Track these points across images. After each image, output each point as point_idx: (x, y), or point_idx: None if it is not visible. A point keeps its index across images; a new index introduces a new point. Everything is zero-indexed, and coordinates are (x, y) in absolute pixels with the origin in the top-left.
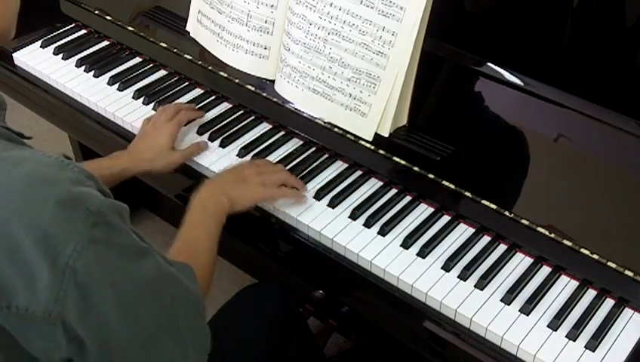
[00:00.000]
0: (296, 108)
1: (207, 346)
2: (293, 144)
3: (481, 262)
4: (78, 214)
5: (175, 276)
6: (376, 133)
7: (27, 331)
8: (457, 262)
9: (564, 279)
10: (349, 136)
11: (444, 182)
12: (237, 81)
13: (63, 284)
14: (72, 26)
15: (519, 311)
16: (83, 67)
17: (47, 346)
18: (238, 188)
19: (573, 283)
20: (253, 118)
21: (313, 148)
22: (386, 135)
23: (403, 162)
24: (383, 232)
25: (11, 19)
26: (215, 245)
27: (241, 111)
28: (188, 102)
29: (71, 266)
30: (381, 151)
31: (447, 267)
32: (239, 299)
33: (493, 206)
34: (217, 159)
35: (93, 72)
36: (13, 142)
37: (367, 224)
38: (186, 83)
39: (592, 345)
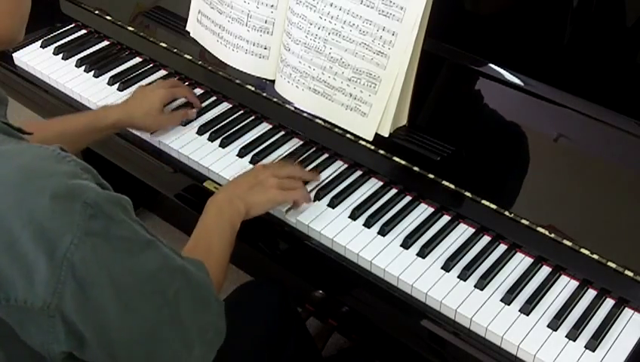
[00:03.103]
0: (296, 108)
1: (217, 340)
2: (293, 144)
3: (481, 262)
4: (74, 207)
5: (182, 269)
6: (376, 133)
7: (26, 324)
8: (457, 262)
9: (564, 279)
10: (349, 136)
11: (444, 182)
12: (237, 81)
13: (60, 277)
14: (72, 26)
15: (519, 311)
16: (83, 67)
17: (45, 339)
18: (255, 192)
19: (573, 283)
20: (253, 118)
21: (313, 148)
22: (386, 135)
23: (403, 162)
24: (383, 232)
25: (21, 19)
26: (228, 250)
27: (241, 111)
28: (188, 102)
29: (69, 259)
30: (381, 151)
31: (447, 267)
32: (236, 296)
33: (493, 206)
34: (217, 159)
35: (93, 72)
36: (11, 136)
37: (367, 224)
38: (186, 83)
39: (592, 345)
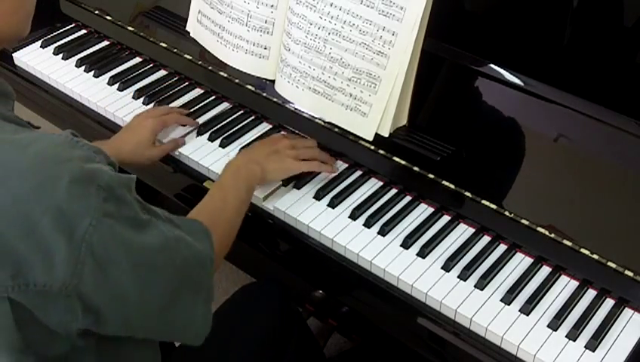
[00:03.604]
0: (296, 108)
1: (210, 298)
2: None
3: (481, 262)
4: (90, 190)
5: (181, 238)
6: (376, 133)
7: (44, 306)
8: (457, 262)
9: (564, 279)
10: (349, 136)
11: (444, 182)
12: (237, 81)
13: (80, 257)
14: (72, 26)
15: (519, 311)
16: (83, 67)
17: (64, 318)
18: (271, 159)
19: (573, 283)
20: (253, 118)
21: None
22: (386, 135)
23: (403, 162)
24: (383, 232)
25: (26, 16)
26: (243, 209)
27: (241, 111)
28: (188, 102)
29: (87, 240)
30: (381, 151)
31: (447, 267)
32: (237, 297)
33: (493, 206)
34: (217, 159)
35: (93, 72)
36: (23, 126)
37: (367, 224)
38: (186, 83)
39: (592, 345)
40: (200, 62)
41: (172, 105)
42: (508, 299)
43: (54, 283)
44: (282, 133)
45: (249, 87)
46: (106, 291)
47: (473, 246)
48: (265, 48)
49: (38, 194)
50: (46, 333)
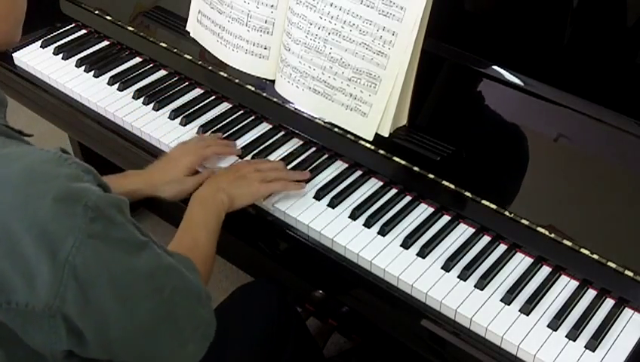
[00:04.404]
0: (296, 108)
1: (209, 334)
2: (293, 144)
3: (481, 262)
4: (76, 210)
5: (175, 267)
6: (376, 133)
7: (27, 326)
8: (457, 262)
9: (564, 279)
10: (349, 136)
11: (444, 182)
12: (237, 81)
13: (63, 280)
14: (72, 26)
15: (519, 311)
16: (83, 67)
17: (47, 339)
18: (237, 185)
19: (573, 283)
20: (253, 118)
21: (313, 148)
22: (386, 135)
23: (403, 162)
24: (383, 232)
25: (15, 22)
26: (214, 242)
27: (241, 111)
28: (188, 102)
29: (70, 262)
30: (381, 151)
31: (447, 267)
32: (235, 297)
33: (493, 206)
34: (217, 159)
35: (93, 72)
36: (12, 138)
37: (367, 224)
38: (186, 83)
39: (592, 345)
40: (200, 62)
41: (172, 105)
42: (508, 299)
43: (37, 304)
44: (246, 159)
45: (249, 87)
46: (88, 314)
47: (473, 246)
48: (265, 48)
49: (21, 212)
50: (30, 354)
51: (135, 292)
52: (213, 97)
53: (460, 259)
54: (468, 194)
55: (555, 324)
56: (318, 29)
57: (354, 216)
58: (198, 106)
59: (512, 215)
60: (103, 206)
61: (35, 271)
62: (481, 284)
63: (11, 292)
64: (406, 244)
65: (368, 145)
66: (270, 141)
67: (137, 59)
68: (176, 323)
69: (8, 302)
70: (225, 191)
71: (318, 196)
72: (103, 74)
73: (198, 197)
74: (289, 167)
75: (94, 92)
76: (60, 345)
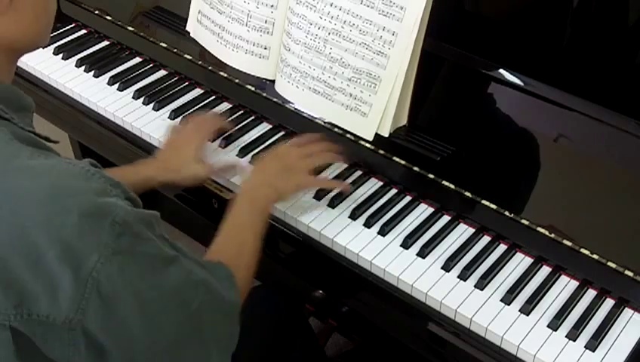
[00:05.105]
0: (296, 108)
1: (231, 346)
2: None
3: (481, 262)
4: (102, 225)
5: (205, 282)
6: (376, 133)
7: (47, 337)
8: (457, 262)
9: (564, 279)
10: (349, 136)
11: (444, 182)
12: (237, 81)
13: (85, 294)
14: (72, 26)
15: (519, 311)
16: (83, 67)
17: (66, 352)
18: (285, 178)
19: (573, 283)
20: (253, 118)
21: None
22: (386, 135)
23: (403, 162)
24: (383, 232)
25: (47, 23)
26: (260, 244)
27: (241, 111)
28: (188, 102)
29: (94, 277)
30: (381, 151)
31: (447, 267)
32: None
33: (493, 206)
34: (217, 159)
35: (93, 72)
36: (39, 147)
37: (367, 224)
38: (186, 83)
39: (592, 345)
40: (200, 62)
41: (172, 105)
42: (508, 299)
43: (58, 316)
44: (288, 141)
45: (249, 87)
46: (110, 329)
47: (473, 246)
48: (265, 48)
49: (46, 226)
50: None
51: (160, 307)
52: (213, 97)
53: (460, 259)
54: (468, 194)
55: (555, 324)
56: (318, 29)
57: (354, 216)
58: (198, 106)
59: (512, 215)
60: (132, 221)
61: (58, 284)
62: (481, 284)
63: (33, 304)
64: (406, 244)
65: (368, 145)
66: (270, 141)
67: (137, 59)
68: (200, 338)
69: (29, 313)
70: (273, 185)
71: (318, 196)
72: (103, 74)
73: (246, 192)
74: None
75: (94, 92)
76: (79, 358)
